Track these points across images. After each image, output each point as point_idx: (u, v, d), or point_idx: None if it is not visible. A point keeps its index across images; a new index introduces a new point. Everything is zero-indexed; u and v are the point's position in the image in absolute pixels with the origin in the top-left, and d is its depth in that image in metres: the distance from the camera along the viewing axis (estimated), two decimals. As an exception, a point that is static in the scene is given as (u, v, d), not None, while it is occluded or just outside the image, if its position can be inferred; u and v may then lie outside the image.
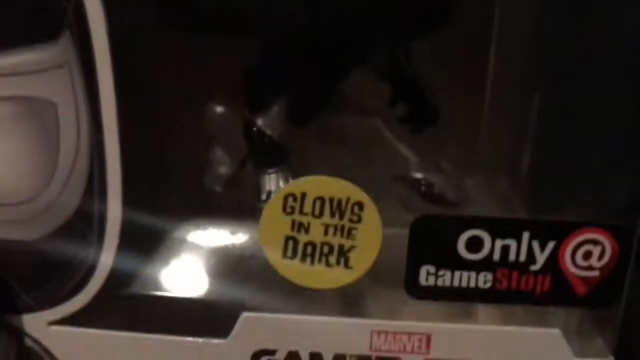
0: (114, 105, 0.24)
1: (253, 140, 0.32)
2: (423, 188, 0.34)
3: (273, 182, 0.31)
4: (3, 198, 0.25)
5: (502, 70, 0.34)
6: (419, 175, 0.35)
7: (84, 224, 0.25)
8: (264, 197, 0.31)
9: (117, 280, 0.26)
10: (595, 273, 0.24)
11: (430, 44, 0.33)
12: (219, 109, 0.34)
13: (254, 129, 0.31)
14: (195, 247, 0.31)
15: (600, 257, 0.24)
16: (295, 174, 0.33)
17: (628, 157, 0.28)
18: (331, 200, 0.24)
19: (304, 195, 0.24)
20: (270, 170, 0.32)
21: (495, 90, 0.35)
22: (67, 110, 0.24)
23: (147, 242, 0.28)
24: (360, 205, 0.24)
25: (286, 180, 0.31)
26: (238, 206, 0.33)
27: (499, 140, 0.34)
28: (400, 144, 0.35)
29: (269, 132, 0.31)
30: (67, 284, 0.25)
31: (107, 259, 0.25)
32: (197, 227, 0.32)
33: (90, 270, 0.25)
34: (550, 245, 0.24)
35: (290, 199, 0.24)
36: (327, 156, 0.36)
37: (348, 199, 0.24)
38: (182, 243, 0.31)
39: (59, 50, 0.23)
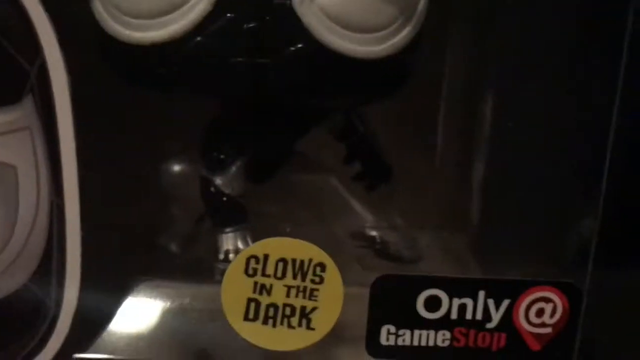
0: (74, 168, 0.24)
1: (211, 199, 0.32)
2: (378, 246, 0.35)
3: (231, 242, 0.31)
4: (-44, 262, 0.24)
5: (450, 127, 0.36)
6: (374, 233, 0.36)
7: (40, 289, 0.25)
8: (221, 256, 0.31)
9: (75, 342, 0.26)
10: (548, 330, 0.25)
11: (382, 104, 0.35)
12: (176, 167, 0.35)
13: (212, 188, 0.32)
14: (153, 308, 0.30)
15: (552, 314, 0.25)
16: (253, 232, 0.33)
17: (568, 217, 0.29)
18: (293, 261, 0.24)
19: (266, 257, 0.24)
20: (228, 230, 0.32)
21: (445, 147, 0.37)
22: (27, 173, 0.24)
23: (105, 304, 0.28)
24: (322, 267, 0.24)
25: (244, 240, 0.32)
26: (196, 265, 0.33)
27: (450, 197, 0.35)
28: (356, 201, 0.36)
29: (227, 191, 0.32)
30: (26, 345, 0.25)
31: (65, 321, 0.25)
32: (155, 287, 0.32)
33: (49, 332, 0.25)
34: (505, 303, 0.25)
35: (252, 261, 0.25)
36: (284, 214, 0.36)
37: (310, 260, 0.24)
38: (139, 304, 0.30)
39: (21, 113, 0.23)
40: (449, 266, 0.33)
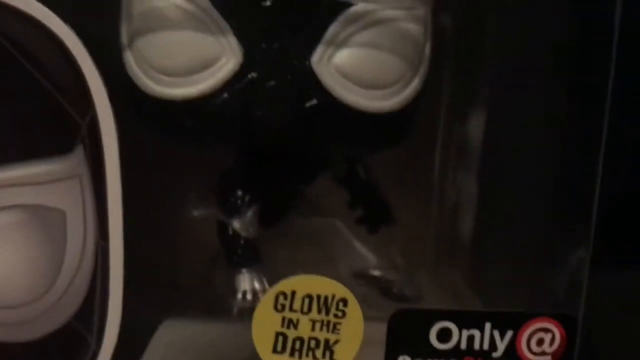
0: (120, 215, 0.26)
1: (229, 242, 0.34)
2: (382, 285, 0.37)
3: (248, 282, 0.33)
4: (4, 300, 0.26)
5: (446, 171, 0.39)
6: (377, 273, 0.38)
7: (83, 326, 0.26)
8: (239, 295, 0.33)
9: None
10: (548, 358, 0.28)
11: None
12: (195, 212, 0.37)
13: (230, 231, 0.34)
14: (177, 346, 0.32)
15: (551, 344, 0.27)
16: (264, 273, 0.35)
17: (558, 251, 0.32)
18: (318, 297, 0.27)
19: (293, 293, 0.27)
20: (244, 270, 0.34)
21: (441, 190, 0.40)
22: (75, 218, 0.26)
23: (137, 345, 0.30)
24: (345, 302, 0.27)
25: (260, 280, 0.34)
26: (214, 303, 0.35)
27: (448, 235, 0.38)
28: (359, 243, 0.39)
29: (243, 234, 0.34)
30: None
31: (105, 358, 0.26)
32: (175, 324, 0.33)
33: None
34: (509, 334, 0.27)
35: (281, 297, 0.27)
36: (291, 255, 0.38)
37: (334, 296, 0.27)
38: (165, 343, 0.32)
39: (72, 163, 0.25)
40: (447, 302, 0.36)
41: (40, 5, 0.25)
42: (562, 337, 0.28)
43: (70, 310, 0.26)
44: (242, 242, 0.34)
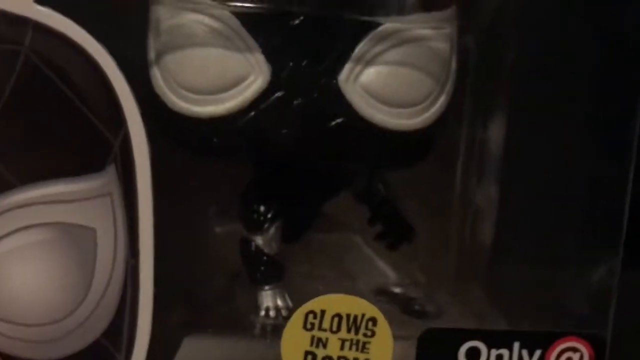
0: (151, 232, 0.26)
1: (252, 258, 0.34)
2: (403, 303, 0.37)
3: (271, 299, 0.33)
4: (32, 319, 0.26)
5: (466, 186, 0.39)
6: (398, 290, 0.38)
7: (112, 344, 0.26)
8: (262, 313, 0.33)
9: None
10: (576, 377, 0.28)
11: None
12: (217, 228, 0.37)
13: (253, 248, 0.34)
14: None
15: (580, 363, 0.28)
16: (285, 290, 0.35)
17: (581, 274, 0.32)
18: (348, 316, 0.27)
19: (323, 312, 0.27)
20: (267, 287, 0.34)
21: (462, 205, 0.40)
22: (105, 236, 0.26)
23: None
24: (374, 321, 0.27)
25: (283, 297, 0.34)
26: (234, 320, 0.35)
27: (469, 251, 0.38)
28: (379, 260, 0.39)
29: (267, 250, 0.34)
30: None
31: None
32: (196, 342, 0.33)
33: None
34: (537, 353, 0.27)
35: (310, 316, 0.27)
36: (311, 271, 0.38)
37: (363, 315, 0.27)
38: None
39: (104, 181, 0.25)
40: (469, 319, 0.36)
41: (71, 23, 0.25)
42: (590, 357, 0.28)
43: (99, 328, 0.26)
44: (265, 258, 0.34)
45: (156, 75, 0.30)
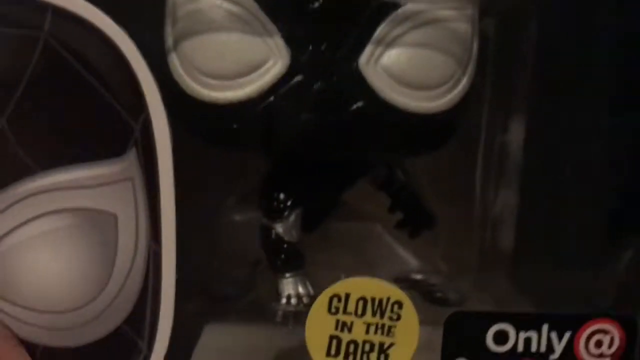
0: (173, 217, 0.25)
1: (272, 246, 0.34)
2: (425, 290, 0.37)
3: (292, 287, 0.33)
4: (54, 305, 0.26)
5: (488, 175, 0.39)
6: (419, 277, 0.38)
7: (134, 331, 0.26)
8: (284, 300, 0.33)
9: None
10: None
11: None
12: (237, 216, 0.36)
13: (273, 236, 0.33)
14: (223, 352, 0.32)
15: (610, 345, 0.27)
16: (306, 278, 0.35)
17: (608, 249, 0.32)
18: (373, 300, 0.26)
19: (347, 295, 0.26)
20: (288, 275, 0.33)
21: (482, 194, 0.39)
22: (127, 221, 0.25)
23: (184, 350, 0.29)
24: (400, 304, 0.26)
25: (304, 284, 0.33)
26: (255, 309, 0.34)
27: (491, 238, 0.37)
28: (400, 247, 0.38)
29: (287, 238, 0.33)
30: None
31: (157, 362, 0.26)
32: (217, 331, 0.33)
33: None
34: (567, 335, 0.27)
35: (335, 300, 0.26)
36: (331, 260, 0.38)
37: (388, 299, 0.26)
38: (211, 348, 0.32)
39: (125, 166, 0.25)
40: (492, 305, 0.35)
41: (92, 7, 0.25)
42: (621, 338, 0.27)
43: (121, 315, 0.26)
44: (285, 246, 0.34)
45: (174, 62, 0.30)
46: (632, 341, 0.27)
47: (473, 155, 0.38)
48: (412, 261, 0.38)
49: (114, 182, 0.25)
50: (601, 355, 0.27)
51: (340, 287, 0.26)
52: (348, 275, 0.33)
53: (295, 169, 0.34)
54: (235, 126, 0.30)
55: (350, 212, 0.38)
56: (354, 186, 0.36)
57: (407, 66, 0.29)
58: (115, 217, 0.25)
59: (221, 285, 0.36)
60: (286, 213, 0.34)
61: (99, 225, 0.25)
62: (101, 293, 0.26)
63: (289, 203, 0.34)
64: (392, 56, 0.29)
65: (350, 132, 0.30)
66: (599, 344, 0.27)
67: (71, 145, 0.25)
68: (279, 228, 0.34)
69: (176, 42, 0.30)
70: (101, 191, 0.25)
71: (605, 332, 0.27)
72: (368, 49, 0.29)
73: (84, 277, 0.26)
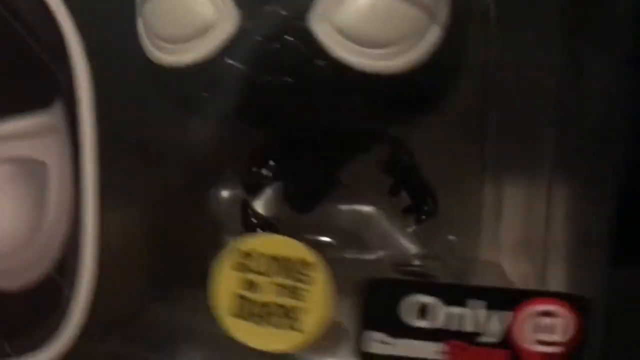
0: (93, 171, 0.26)
1: (249, 221, 0.33)
2: (421, 277, 0.33)
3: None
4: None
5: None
6: (416, 263, 0.34)
7: (62, 278, 0.27)
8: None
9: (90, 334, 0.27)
10: (555, 348, 0.23)
11: (429, 137, 0.34)
12: (224, 192, 0.36)
13: (249, 210, 0.33)
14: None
15: (558, 331, 0.22)
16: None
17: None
18: (283, 259, 0.25)
19: (256, 253, 0.25)
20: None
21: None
22: (57, 171, 0.26)
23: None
24: (312, 267, 0.24)
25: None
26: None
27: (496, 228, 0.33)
28: (398, 232, 0.35)
29: (263, 212, 0.32)
30: (43, 333, 0.27)
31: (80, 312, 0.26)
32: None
33: (65, 320, 0.27)
34: (499, 314, 0.23)
35: (242, 257, 0.25)
36: (328, 243, 0.36)
37: (301, 260, 0.24)
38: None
39: (51, 117, 0.26)
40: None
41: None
42: (573, 323, 0.22)
43: (50, 262, 0.27)
44: (261, 220, 0.33)
45: (140, 26, 0.31)
46: (587, 326, 0.22)
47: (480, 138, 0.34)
48: (410, 247, 0.34)
49: (42, 132, 0.26)
50: (552, 343, 0.23)
51: (247, 244, 0.25)
52: (344, 260, 0.32)
53: (272, 141, 0.33)
54: (193, 91, 0.30)
55: (347, 194, 0.35)
56: (346, 165, 0.34)
57: (354, 22, 0.27)
58: (44, 165, 0.26)
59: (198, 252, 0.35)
60: (263, 186, 0.33)
61: (30, 173, 0.27)
62: (33, 238, 0.27)
63: (267, 175, 0.33)
64: (343, 11, 0.27)
65: (309, 96, 0.29)
66: (543, 328, 0.23)
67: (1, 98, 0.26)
68: (255, 201, 0.33)
69: (140, 5, 0.31)
70: (30, 142, 0.26)
71: (554, 315, 0.23)
72: (319, 5, 0.28)
73: (22, 221, 0.27)
